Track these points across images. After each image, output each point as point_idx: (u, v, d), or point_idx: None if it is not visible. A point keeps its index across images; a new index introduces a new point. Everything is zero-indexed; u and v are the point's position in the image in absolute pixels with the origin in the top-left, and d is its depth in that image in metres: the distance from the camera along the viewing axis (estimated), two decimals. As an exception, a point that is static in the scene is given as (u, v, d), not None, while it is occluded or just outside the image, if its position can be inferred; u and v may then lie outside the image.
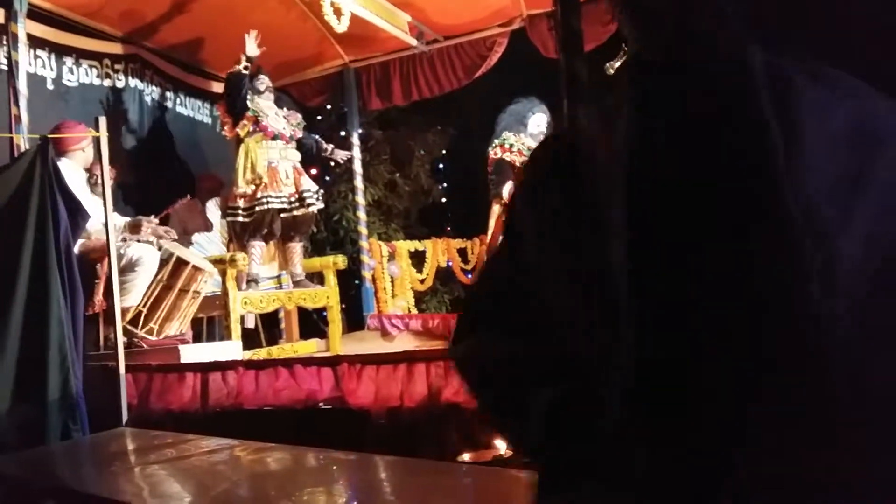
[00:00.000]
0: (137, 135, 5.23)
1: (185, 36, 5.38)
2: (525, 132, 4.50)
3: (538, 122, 4.53)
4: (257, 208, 4.60)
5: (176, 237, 4.09)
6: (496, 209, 4.52)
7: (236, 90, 4.66)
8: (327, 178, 6.64)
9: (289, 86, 6.00)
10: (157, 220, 3.97)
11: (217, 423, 3.08)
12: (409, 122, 7.24)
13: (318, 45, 5.84)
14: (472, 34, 5.79)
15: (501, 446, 2.40)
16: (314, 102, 6.27)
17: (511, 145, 4.45)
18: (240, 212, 4.64)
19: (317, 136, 5.18)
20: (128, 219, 3.99)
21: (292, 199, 4.74)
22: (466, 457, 2.40)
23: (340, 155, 5.31)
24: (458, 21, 5.69)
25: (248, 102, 4.68)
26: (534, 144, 4.45)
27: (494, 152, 4.53)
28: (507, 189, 4.43)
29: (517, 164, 4.34)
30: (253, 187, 4.63)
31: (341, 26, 4.59)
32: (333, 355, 4.02)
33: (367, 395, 2.99)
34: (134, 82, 5.25)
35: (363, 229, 6.21)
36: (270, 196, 4.62)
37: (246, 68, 4.64)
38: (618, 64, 4.60)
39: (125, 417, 3.02)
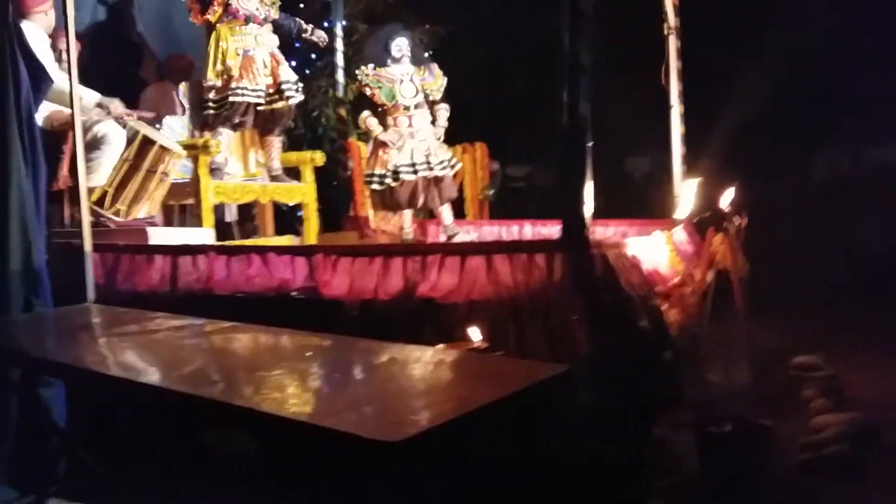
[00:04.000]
0: (109, 8, 4.92)
1: None
2: (388, 58, 4.76)
3: (399, 45, 4.77)
4: (231, 98, 4.38)
5: (150, 117, 3.91)
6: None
7: None
8: (307, 71, 6.35)
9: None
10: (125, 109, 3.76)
11: (185, 307, 3.00)
12: (397, 17, 6.91)
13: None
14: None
15: (476, 337, 2.38)
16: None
17: (363, 80, 4.77)
18: (210, 104, 4.42)
19: (295, 18, 4.87)
20: (99, 96, 3.78)
21: (270, 91, 4.53)
22: (440, 348, 2.37)
23: (321, 36, 5.02)
24: None
25: None
26: (395, 70, 4.73)
27: (356, 86, 4.92)
28: (363, 116, 4.77)
29: (374, 94, 4.72)
30: (224, 78, 4.39)
31: None
32: (307, 245, 3.94)
33: (341, 287, 2.94)
34: (106, -52, 4.91)
35: (344, 127, 6.02)
36: (245, 88, 4.40)
37: None
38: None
39: (92, 295, 2.93)
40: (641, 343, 2.84)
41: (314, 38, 5.00)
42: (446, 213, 4.94)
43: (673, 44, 5.28)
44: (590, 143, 2.70)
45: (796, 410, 3.31)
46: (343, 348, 1.96)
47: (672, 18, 5.26)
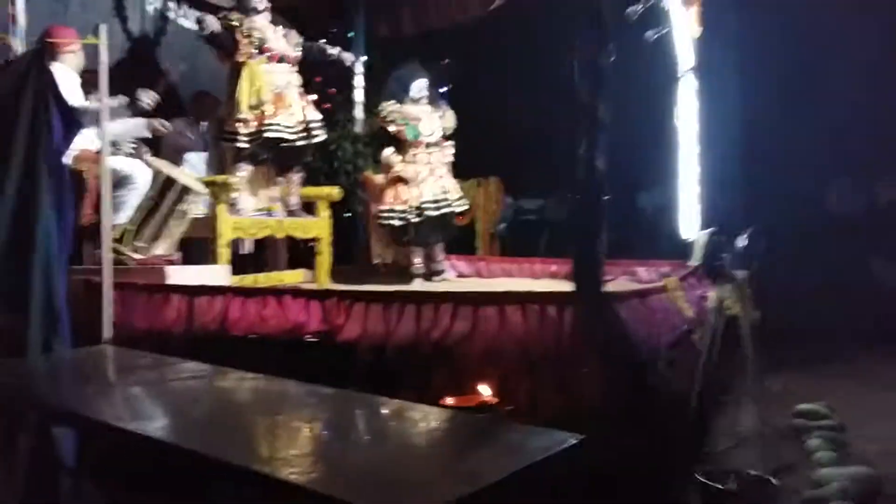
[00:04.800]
0: (137, 46, 5.05)
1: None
2: (407, 98, 4.89)
3: (419, 87, 4.93)
4: (266, 135, 4.45)
5: (170, 128, 3.99)
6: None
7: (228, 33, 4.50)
8: (326, 106, 6.45)
9: (290, 6, 5.76)
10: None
11: (201, 346, 3.06)
12: (416, 52, 7.00)
13: (327, -36, 5.60)
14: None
15: (486, 392, 2.40)
16: (317, 25, 6.03)
17: (386, 116, 4.91)
18: (240, 137, 4.46)
19: (319, 43, 4.91)
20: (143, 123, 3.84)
21: (299, 129, 4.62)
22: (451, 401, 2.40)
23: (348, 58, 5.03)
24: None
25: (243, 22, 4.49)
26: (414, 109, 4.87)
27: (377, 120, 5.08)
28: (387, 153, 4.91)
29: (400, 130, 4.83)
30: (258, 113, 4.46)
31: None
32: (324, 289, 3.99)
33: (353, 331, 2.98)
34: (136, -12, 5.05)
35: (360, 161, 6.10)
36: (279, 125, 4.48)
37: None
38: (640, 9, 4.46)
39: (108, 334, 2.99)
40: (652, 394, 2.85)
41: (342, 59, 5.01)
42: (440, 250, 5.08)
43: (686, 84, 5.34)
44: (606, 198, 2.74)
45: (802, 462, 3.30)
46: (350, 406, 1.98)
47: (684, 59, 5.32)
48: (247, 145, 4.48)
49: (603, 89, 2.77)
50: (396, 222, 4.79)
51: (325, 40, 5.04)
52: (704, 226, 5.08)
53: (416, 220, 4.76)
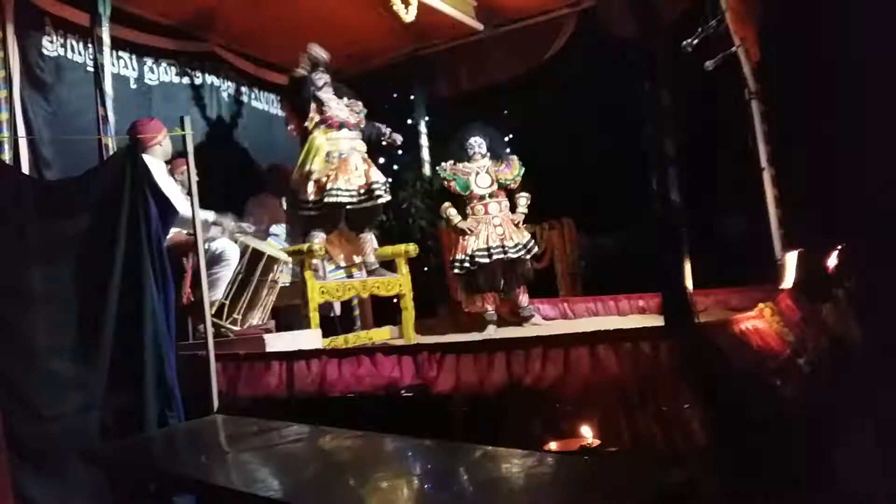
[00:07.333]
0: (216, 130, 5.39)
1: (256, 31, 5.47)
2: (465, 156, 5.22)
3: (471, 144, 5.24)
4: (326, 200, 4.64)
5: (252, 230, 4.21)
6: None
7: (298, 93, 4.82)
8: (395, 167, 6.66)
9: (356, 77, 6.04)
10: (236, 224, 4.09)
11: (302, 408, 3.16)
12: (476, 106, 7.18)
13: (386, 34, 5.85)
14: (538, 16, 5.73)
15: (588, 434, 2.38)
16: (382, 93, 6.30)
17: (441, 174, 5.27)
18: (310, 205, 4.69)
19: (375, 123, 5.15)
20: (213, 215, 4.07)
21: (361, 192, 4.78)
22: (553, 446, 2.39)
23: (398, 139, 5.28)
24: (524, 2, 5.64)
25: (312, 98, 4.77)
26: (471, 166, 5.21)
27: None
28: (443, 207, 5.23)
29: (450, 185, 5.22)
30: (324, 177, 4.67)
31: (409, 16, 4.61)
32: (413, 344, 4.06)
33: (447, 383, 3.01)
34: (210, 79, 5.41)
35: (431, 216, 6.23)
36: (340, 189, 4.67)
37: (306, 70, 4.81)
38: (695, 42, 4.49)
39: (216, 404, 3.12)
40: (761, 425, 2.75)
41: (391, 140, 5.26)
42: (522, 295, 5.23)
43: (756, 108, 5.28)
44: (685, 230, 2.72)
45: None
46: (452, 456, 2.00)
47: (752, 83, 5.27)
48: (313, 212, 4.68)
49: (666, 124, 2.78)
50: (457, 271, 5.09)
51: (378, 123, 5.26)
52: (788, 247, 4.93)
53: (473, 267, 5.00)
